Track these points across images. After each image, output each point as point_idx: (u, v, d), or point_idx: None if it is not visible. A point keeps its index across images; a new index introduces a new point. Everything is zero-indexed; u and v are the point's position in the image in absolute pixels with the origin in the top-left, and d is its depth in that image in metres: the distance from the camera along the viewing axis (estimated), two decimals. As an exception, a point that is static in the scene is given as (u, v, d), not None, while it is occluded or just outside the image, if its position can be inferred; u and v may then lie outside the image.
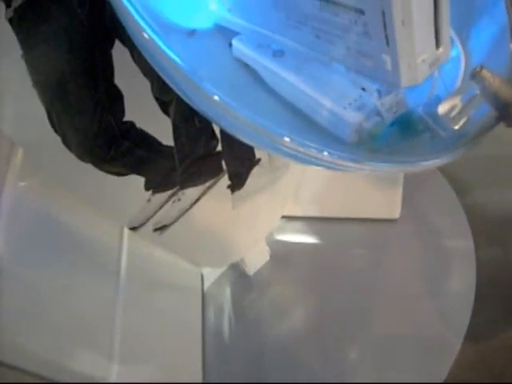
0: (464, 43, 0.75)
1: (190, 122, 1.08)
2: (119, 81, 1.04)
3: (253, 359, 1.73)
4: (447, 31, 0.59)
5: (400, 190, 1.86)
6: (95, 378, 1.23)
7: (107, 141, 1.03)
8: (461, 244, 1.89)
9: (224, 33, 0.78)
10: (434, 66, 0.61)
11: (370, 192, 1.88)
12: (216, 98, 0.61)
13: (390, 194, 1.90)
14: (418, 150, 0.68)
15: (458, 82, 0.73)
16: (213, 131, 1.18)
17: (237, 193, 1.38)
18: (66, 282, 1.23)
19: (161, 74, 0.71)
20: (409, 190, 1.88)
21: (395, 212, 1.92)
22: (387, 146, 0.68)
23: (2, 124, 1.08)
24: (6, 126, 1.09)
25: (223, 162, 1.29)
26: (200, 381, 1.65)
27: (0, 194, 1.09)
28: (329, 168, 0.67)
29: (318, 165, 0.66)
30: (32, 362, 1.08)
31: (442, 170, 2.00)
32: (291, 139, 0.61)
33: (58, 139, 1.03)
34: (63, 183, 1.26)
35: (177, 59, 0.62)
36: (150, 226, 1.38)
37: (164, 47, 0.62)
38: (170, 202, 1.32)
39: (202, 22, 0.78)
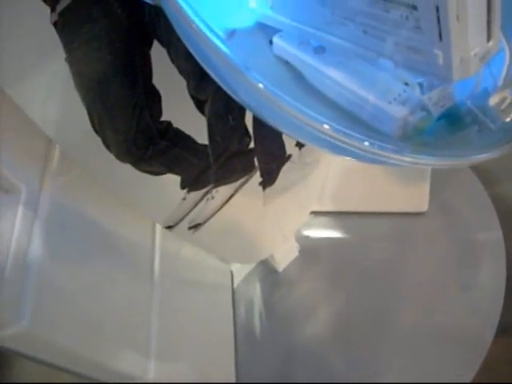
0: (508, 38, 0.75)
1: (225, 119, 1.08)
2: (156, 80, 1.05)
3: (284, 354, 1.74)
4: (498, 23, 0.59)
5: (428, 183, 1.86)
6: (133, 375, 1.25)
7: (145, 140, 1.04)
8: (490, 236, 1.87)
9: (264, 30, 0.79)
10: (484, 58, 0.61)
11: (398, 185, 1.87)
12: (261, 85, 0.62)
13: (418, 187, 1.89)
14: (466, 144, 0.68)
15: (503, 75, 0.73)
16: (245, 128, 1.19)
17: (268, 189, 1.38)
18: (101, 280, 1.25)
19: (204, 65, 0.72)
20: (436, 182, 1.88)
21: (423, 205, 1.92)
22: (434, 140, 0.68)
23: (45, 125, 1.10)
24: (49, 127, 1.11)
25: (255, 159, 1.30)
26: (233, 374, 1.66)
27: (38, 193, 1.11)
28: (368, 160, 0.66)
29: (357, 156, 0.66)
30: (69, 360, 1.10)
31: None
32: (331, 127, 0.61)
33: (97, 139, 1.04)
34: (99, 182, 1.28)
35: (224, 48, 0.63)
36: (184, 224, 1.39)
37: (212, 37, 0.63)
38: (204, 200, 1.33)
39: (243, 21, 0.79)
